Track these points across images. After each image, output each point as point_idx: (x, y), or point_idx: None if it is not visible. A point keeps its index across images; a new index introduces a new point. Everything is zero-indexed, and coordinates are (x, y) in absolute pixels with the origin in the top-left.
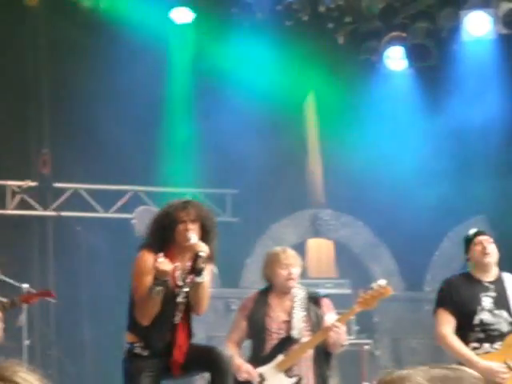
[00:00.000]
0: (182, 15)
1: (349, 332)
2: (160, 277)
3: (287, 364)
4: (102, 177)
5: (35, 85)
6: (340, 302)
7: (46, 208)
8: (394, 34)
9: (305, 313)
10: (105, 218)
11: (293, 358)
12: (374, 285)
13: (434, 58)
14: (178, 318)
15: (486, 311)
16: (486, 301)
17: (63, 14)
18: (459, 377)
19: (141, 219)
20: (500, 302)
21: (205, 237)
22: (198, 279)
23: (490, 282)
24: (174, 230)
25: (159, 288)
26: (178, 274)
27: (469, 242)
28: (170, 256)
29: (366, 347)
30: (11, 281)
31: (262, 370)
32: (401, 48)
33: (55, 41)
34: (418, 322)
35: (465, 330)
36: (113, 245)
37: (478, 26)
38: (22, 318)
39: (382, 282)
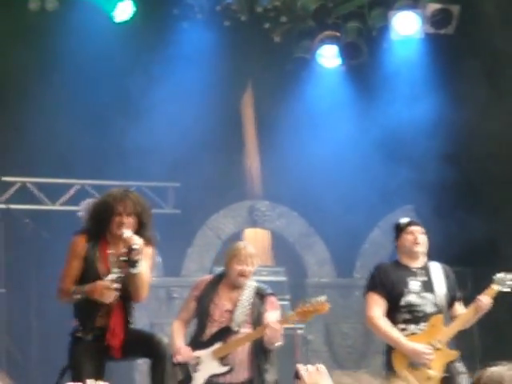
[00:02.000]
0: (123, 12)
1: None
2: (88, 295)
3: (222, 352)
4: (49, 171)
5: None
6: (275, 289)
7: None
8: (328, 33)
9: (249, 307)
10: (52, 210)
11: (228, 348)
12: (313, 300)
13: (364, 56)
14: (109, 305)
15: (413, 293)
16: (414, 284)
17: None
18: None
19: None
20: (427, 285)
21: (141, 228)
22: (133, 270)
23: (418, 268)
24: (109, 221)
25: (78, 296)
26: (111, 259)
27: (400, 230)
28: (104, 243)
29: (300, 331)
30: None
31: (199, 353)
32: (334, 46)
33: None
34: (348, 308)
35: (393, 311)
36: (60, 236)
37: (406, 25)
38: None
39: (322, 298)
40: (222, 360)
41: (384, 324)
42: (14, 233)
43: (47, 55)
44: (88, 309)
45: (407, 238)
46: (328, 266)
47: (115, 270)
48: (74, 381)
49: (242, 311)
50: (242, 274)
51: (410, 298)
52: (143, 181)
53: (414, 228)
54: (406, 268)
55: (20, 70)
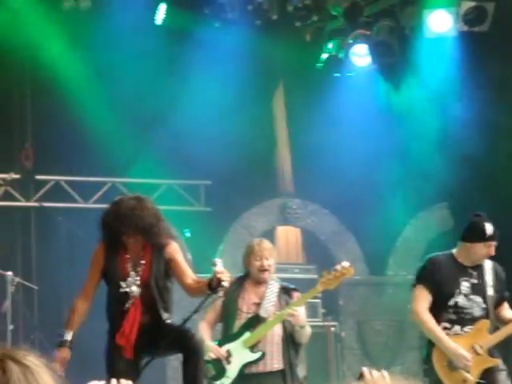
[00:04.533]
0: (158, 12)
1: (316, 315)
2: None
3: (252, 341)
4: (82, 169)
5: (18, 81)
6: (306, 287)
7: (28, 199)
8: (359, 31)
9: (275, 299)
10: (84, 208)
11: (257, 335)
12: (337, 266)
13: (396, 55)
14: (127, 307)
15: (463, 295)
16: (465, 285)
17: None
18: None
19: None
20: (477, 288)
21: (149, 236)
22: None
23: (472, 268)
24: (119, 234)
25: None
26: (129, 265)
27: (481, 238)
28: (121, 248)
29: (332, 329)
30: None
31: (229, 346)
32: (365, 45)
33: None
34: (381, 305)
35: (439, 309)
36: (92, 234)
37: (439, 23)
38: (7, 304)
39: (345, 263)
40: (253, 348)
41: (429, 319)
42: (47, 231)
43: (83, 53)
44: (114, 315)
45: (483, 249)
46: (360, 264)
47: (133, 273)
48: (108, 378)
49: (270, 302)
50: (262, 269)
51: (459, 300)
52: (174, 179)
53: (493, 243)
54: (461, 267)
55: (53, 67)
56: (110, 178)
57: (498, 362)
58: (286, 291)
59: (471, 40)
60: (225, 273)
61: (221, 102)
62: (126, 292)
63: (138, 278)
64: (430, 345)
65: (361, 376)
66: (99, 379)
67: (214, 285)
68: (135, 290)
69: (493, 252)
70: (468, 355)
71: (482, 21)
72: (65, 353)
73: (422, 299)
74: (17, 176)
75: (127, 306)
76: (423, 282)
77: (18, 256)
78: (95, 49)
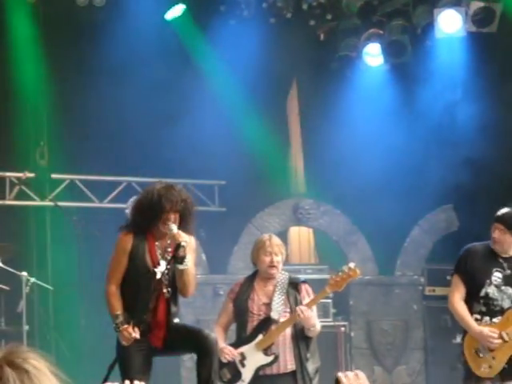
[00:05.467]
0: (174, 9)
1: (327, 315)
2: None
3: (266, 343)
4: (97, 168)
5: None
6: (319, 287)
7: (43, 198)
8: (372, 31)
9: (283, 296)
10: (100, 207)
11: (271, 338)
12: (344, 267)
13: (409, 54)
14: (160, 294)
15: (494, 286)
16: (497, 275)
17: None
18: None
19: None
20: (509, 279)
21: (183, 220)
22: (181, 267)
23: (505, 259)
24: (157, 218)
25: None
26: (158, 252)
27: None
28: (150, 237)
29: (342, 329)
30: (11, 269)
31: (243, 349)
32: (377, 44)
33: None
34: (389, 305)
35: (471, 300)
36: (107, 233)
37: (449, 23)
38: (22, 305)
39: (351, 264)
40: (267, 351)
41: (461, 308)
42: (62, 230)
43: (95, 51)
44: (136, 304)
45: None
46: (371, 264)
47: (163, 262)
48: (122, 375)
49: (279, 302)
50: (271, 265)
51: (490, 291)
52: (189, 178)
53: None
54: (495, 256)
55: (67, 64)
56: (125, 178)
57: None
58: (294, 286)
59: (479, 41)
60: (180, 234)
61: (235, 101)
62: (159, 279)
63: (169, 267)
64: (463, 336)
65: (337, 381)
66: (101, 378)
67: (176, 254)
68: (166, 277)
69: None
70: (493, 333)
71: (491, 21)
72: (129, 328)
73: (457, 289)
74: (31, 175)
75: (158, 292)
76: (458, 272)
77: (33, 256)
78: (108, 46)
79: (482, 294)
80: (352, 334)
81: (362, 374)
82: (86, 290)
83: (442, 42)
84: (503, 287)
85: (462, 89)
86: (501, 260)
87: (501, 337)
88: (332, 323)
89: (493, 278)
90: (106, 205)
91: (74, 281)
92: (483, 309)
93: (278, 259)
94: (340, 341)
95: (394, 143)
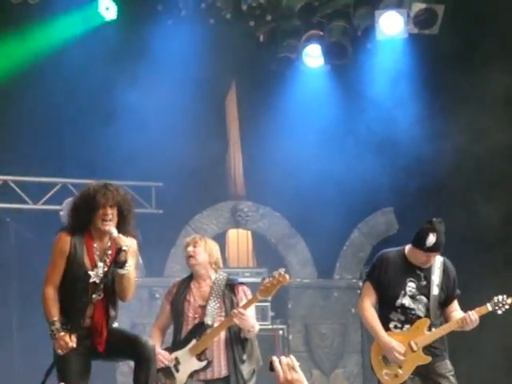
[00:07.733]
0: (107, 10)
1: (265, 318)
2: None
3: (199, 348)
4: (32, 170)
5: None
6: (257, 291)
7: None
8: (312, 32)
9: (219, 299)
10: (34, 209)
11: (204, 343)
12: (274, 273)
13: (349, 56)
14: (95, 298)
15: (408, 296)
16: (411, 286)
17: None
18: None
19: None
20: (424, 289)
21: (122, 220)
22: (121, 271)
23: (421, 270)
24: (92, 215)
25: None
26: (96, 254)
27: (422, 247)
28: (88, 237)
29: (280, 332)
30: None
31: (178, 354)
32: (318, 46)
33: None
34: (327, 308)
35: (388, 309)
36: (41, 235)
37: (391, 25)
38: None
39: (281, 270)
40: (200, 356)
41: (370, 315)
42: None
43: (30, 51)
44: (73, 309)
45: (422, 257)
46: (309, 267)
47: (100, 264)
48: (59, 380)
49: (214, 304)
50: (188, 255)
51: (405, 302)
52: (125, 180)
53: (432, 254)
54: (410, 266)
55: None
56: (60, 179)
57: (431, 359)
58: (231, 287)
59: (420, 43)
60: (121, 238)
61: (172, 102)
62: (94, 282)
63: (106, 270)
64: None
65: (271, 365)
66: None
67: (117, 258)
68: (103, 280)
69: (431, 261)
70: (400, 349)
71: (433, 23)
72: (65, 337)
73: (368, 295)
74: None
75: (95, 296)
76: (370, 279)
77: None
78: (40, 44)
79: (398, 304)
80: (290, 338)
81: (295, 361)
82: (19, 289)
83: (383, 43)
84: (418, 297)
85: (402, 91)
86: (417, 271)
87: (409, 347)
88: (270, 326)
89: (407, 289)
90: (40, 206)
91: (7, 281)
92: (402, 317)
93: (190, 250)
94: (278, 344)
95: (334, 146)
